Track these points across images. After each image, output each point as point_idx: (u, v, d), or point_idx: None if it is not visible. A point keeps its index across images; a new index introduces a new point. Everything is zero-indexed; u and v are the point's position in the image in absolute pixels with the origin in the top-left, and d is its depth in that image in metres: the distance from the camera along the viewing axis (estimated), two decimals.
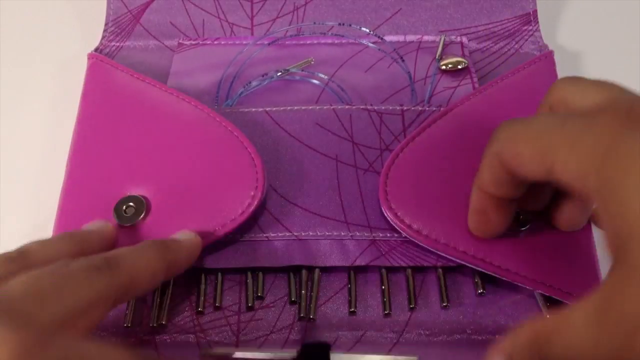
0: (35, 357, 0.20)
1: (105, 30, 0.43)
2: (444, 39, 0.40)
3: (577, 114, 0.25)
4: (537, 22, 0.42)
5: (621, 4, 0.45)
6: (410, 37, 0.41)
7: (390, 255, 0.33)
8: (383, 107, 0.37)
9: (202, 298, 0.33)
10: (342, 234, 0.33)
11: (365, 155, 0.35)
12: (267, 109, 0.37)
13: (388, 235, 0.33)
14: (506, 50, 0.41)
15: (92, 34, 0.43)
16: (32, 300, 0.22)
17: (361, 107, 0.37)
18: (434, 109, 0.37)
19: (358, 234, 0.33)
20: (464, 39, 0.41)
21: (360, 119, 0.36)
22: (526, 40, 0.42)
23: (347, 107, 0.37)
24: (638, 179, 0.20)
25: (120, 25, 0.43)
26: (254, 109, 0.37)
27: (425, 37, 0.41)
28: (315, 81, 0.39)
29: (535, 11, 0.42)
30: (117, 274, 0.26)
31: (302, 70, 0.39)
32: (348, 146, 0.35)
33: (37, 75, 0.42)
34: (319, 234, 0.33)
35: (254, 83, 0.38)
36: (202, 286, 0.33)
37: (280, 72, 0.39)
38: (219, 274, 0.33)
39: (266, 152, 0.35)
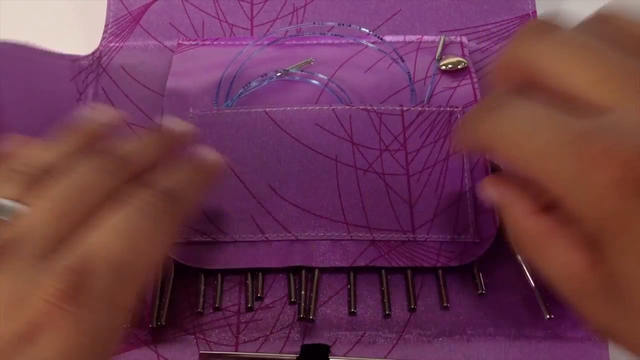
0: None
1: (105, 32, 0.43)
2: (444, 39, 0.40)
3: (566, 118, 0.21)
4: None
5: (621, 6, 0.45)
6: (410, 38, 0.41)
7: (390, 255, 0.33)
8: (383, 108, 0.37)
9: (201, 299, 0.32)
10: (342, 234, 0.33)
11: (364, 156, 0.35)
12: (267, 109, 0.37)
13: (388, 236, 0.33)
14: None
15: (93, 35, 0.43)
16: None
17: (360, 107, 0.37)
18: (434, 109, 0.37)
19: (358, 234, 0.33)
20: (464, 39, 0.41)
21: (359, 120, 0.36)
22: None
23: (346, 107, 0.37)
24: None
25: (120, 26, 0.43)
26: (253, 110, 0.37)
27: (425, 38, 0.41)
28: (314, 81, 0.39)
29: (534, 12, 0.42)
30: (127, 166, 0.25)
31: (302, 71, 0.39)
32: (348, 147, 0.35)
33: None
34: (318, 234, 0.33)
35: (253, 83, 0.38)
36: (202, 287, 0.33)
37: (280, 72, 0.39)
38: (219, 275, 0.33)
39: (266, 153, 0.35)
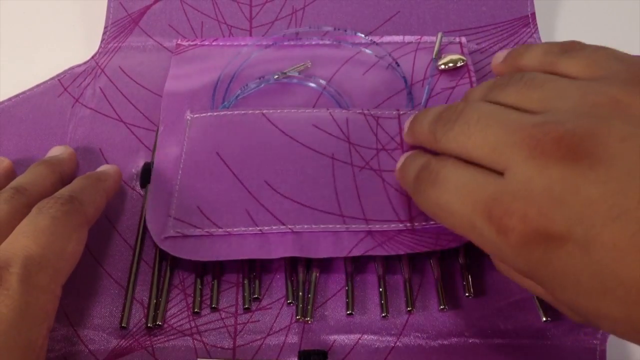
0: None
1: (104, 33, 0.43)
2: (442, 36, 0.40)
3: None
4: (536, 24, 0.42)
5: (619, 8, 0.45)
6: (409, 38, 0.41)
7: (387, 244, 0.32)
8: (379, 112, 0.37)
9: (198, 299, 0.32)
10: (337, 226, 0.33)
11: (361, 154, 0.35)
12: (264, 111, 0.37)
13: (384, 226, 0.33)
14: None
15: (92, 38, 0.43)
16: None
17: (357, 111, 0.37)
18: None
19: (354, 225, 0.33)
20: (463, 39, 0.41)
21: (356, 123, 0.36)
22: (525, 41, 0.42)
23: (344, 111, 0.37)
24: None
25: (119, 28, 0.43)
26: (250, 111, 0.37)
27: (424, 38, 0.41)
28: (312, 84, 0.39)
29: (533, 14, 0.42)
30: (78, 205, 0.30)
31: (300, 74, 0.39)
32: (344, 146, 0.35)
33: (38, 78, 0.42)
34: (313, 226, 0.33)
35: (251, 85, 0.38)
36: (199, 287, 0.33)
37: (277, 75, 0.39)
38: (216, 275, 0.33)
39: (262, 151, 0.35)
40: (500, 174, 0.25)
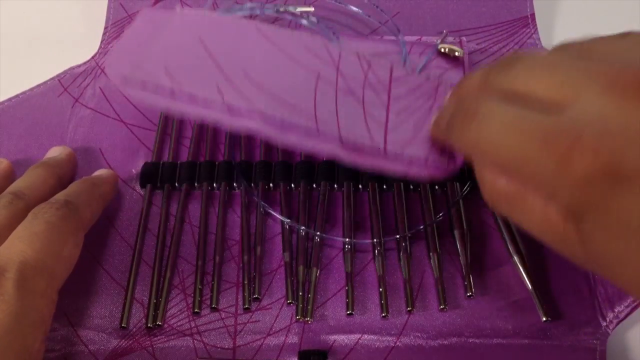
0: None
1: (104, 34, 0.43)
2: (447, 33, 0.40)
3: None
4: (535, 24, 0.42)
5: (619, 8, 0.45)
6: (409, 39, 0.41)
7: (356, 154, 0.30)
8: (374, 59, 0.34)
9: (198, 299, 0.32)
10: (310, 124, 0.30)
11: (347, 82, 0.32)
12: (258, 25, 0.34)
13: (358, 141, 0.30)
14: (505, 51, 0.41)
15: (94, 37, 0.43)
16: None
17: (352, 51, 0.34)
18: (422, 75, 0.34)
19: (327, 130, 0.30)
20: (463, 39, 0.41)
21: (349, 58, 0.34)
22: (525, 42, 0.42)
23: (338, 47, 0.34)
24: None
25: (119, 28, 0.43)
26: (244, 21, 0.34)
27: (424, 38, 0.41)
28: (305, 22, 0.37)
29: (533, 14, 0.43)
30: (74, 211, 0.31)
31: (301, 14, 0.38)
32: (332, 71, 0.33)
33: (38, 78, 0.42)
34: (285, 115, 0.30)
35: (249, 4, 0.37)
36: (199, 287, 0.33)
37: (278, 8, 0.37)
38: (215, 274, 0.33)
39: (247, 51, 0.33)
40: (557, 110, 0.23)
